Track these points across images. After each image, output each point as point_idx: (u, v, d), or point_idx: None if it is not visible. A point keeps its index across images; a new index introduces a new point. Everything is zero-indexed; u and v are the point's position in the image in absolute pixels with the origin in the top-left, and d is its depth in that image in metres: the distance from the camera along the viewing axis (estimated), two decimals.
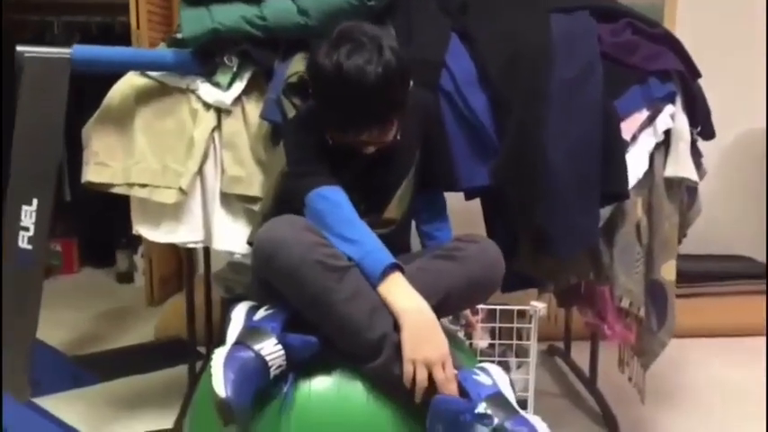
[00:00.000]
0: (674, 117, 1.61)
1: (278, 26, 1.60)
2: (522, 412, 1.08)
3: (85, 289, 3.35)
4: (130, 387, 2.12)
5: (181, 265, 3.24)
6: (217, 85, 1.62)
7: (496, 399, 1.08)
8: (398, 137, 1.32)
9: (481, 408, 1.05)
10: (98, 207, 3.24)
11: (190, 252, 1.84)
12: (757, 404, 2.07)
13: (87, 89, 2.15)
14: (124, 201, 1.67)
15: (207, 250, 2.15)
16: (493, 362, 1.69)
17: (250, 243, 1.59)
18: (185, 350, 2.11)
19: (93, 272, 3.69)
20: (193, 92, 1.63)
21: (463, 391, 1.10)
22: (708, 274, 2.85)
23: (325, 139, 1.31)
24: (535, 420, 1.06)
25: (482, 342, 1.83)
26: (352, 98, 1.19)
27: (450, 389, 1.10)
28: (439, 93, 1.59)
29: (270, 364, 1.08)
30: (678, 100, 1.62)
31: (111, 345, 2.42)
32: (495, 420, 1.04)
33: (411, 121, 1.40)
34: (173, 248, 3.12)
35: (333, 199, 1.27)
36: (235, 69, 1.61)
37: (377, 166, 1.38)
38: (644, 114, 1.61)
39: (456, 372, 1.12)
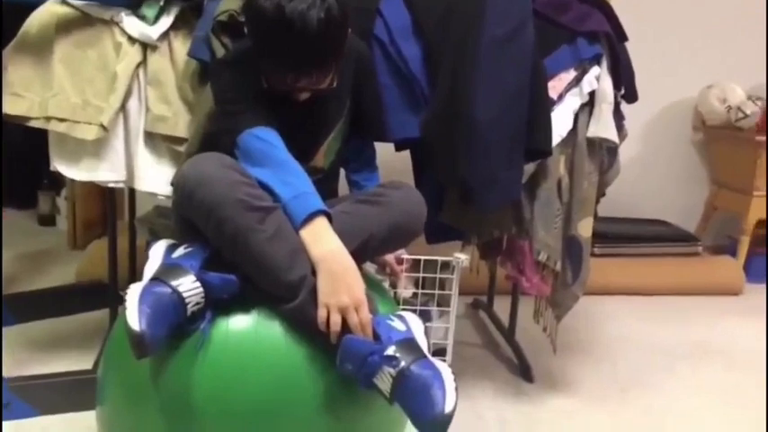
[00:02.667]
0: (599, 78, 1.65)
1: None
2: (430, 357, 1.11)
3: (5, 231, 3.22)
4: (50, 329, 2.07)
5: (104, 208, 3.15)
6: (143, 18, 1.56)
7: (407, 343, 1.11)
8: (334, 84, 1.31)
9: (390, 350, 1.07)
10: (19, 145, 3.09)
11: (113, 193, 1.79)
12: (663, 357, 2.20)
13: (5, 16, 2.03)
14: (46, 138, 1.60)
15: (132, 193, 2.10)
16: (415, 310, 1.74)
17: (173, 184, 1.57)
18: (106, 294, 2.07)
19: (14, 213, 3.55)
20: (117, 24, 1.56)
21: (376, 335, 1.12)
22: (627, 235, 2.98)
23: (258, 81, 1.29)
24: (441, 366, 1.09)
25: (406, 291, 1.87)
26: (293, 42, 1.17)
27: (365, 333, 1.12)
28: (373, 41, 1.59)
29: (187, 300, 1.07)
30: (604, 62, 1.67)
31: (30, 287, 2.34)
32: (402, 363, 1.06)
33: (344, 69, 1.38)
34: (97, 191, 3.03)
35: (267, 139, 1.25)
36: (162, 3, 1.55)
37: (308, 112, 1.37)
38: (571, 74, 1.64)
39: (371, 317, 1.14)
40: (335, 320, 1.11)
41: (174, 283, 1.08)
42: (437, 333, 1.87)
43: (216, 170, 1.14)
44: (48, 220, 3.38)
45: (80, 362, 1.84)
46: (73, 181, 1.60)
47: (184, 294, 1.07)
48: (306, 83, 1.25)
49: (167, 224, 2.00)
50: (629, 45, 1.76)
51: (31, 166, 3.37)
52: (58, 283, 2.38)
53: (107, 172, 1.59)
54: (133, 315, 1.01)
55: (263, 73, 1.28)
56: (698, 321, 2.57)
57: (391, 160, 1.76)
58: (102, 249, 2.35)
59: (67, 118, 1.54)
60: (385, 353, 1.07)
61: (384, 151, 1.65)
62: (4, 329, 1.99)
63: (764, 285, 3.04)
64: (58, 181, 3.25)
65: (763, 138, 2.92)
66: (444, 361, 1.13)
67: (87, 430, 1.55)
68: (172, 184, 1.55)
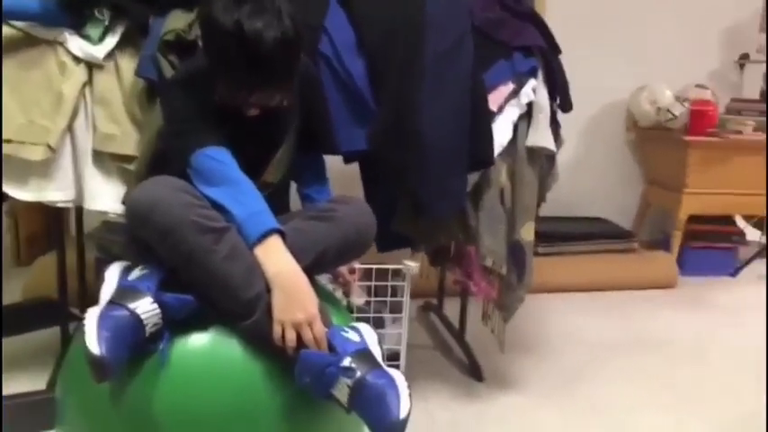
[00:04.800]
0: (535, 90, 1.74)
1: None
2: (384, 367, 1.16)
3: None
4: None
5: (48, 223, 3.08)
6: (87, 38, 1.56)
7: (362, 354, 1.15)
8: (285, 102, 1.34)
9: (346, 362, 1.12)
10: None
11: (59, 210, 1.78)
12: (605, 351, 2.32)
13: None
14: None
15: (79, 209, 2.08)
16: (369, 318, 1.79)
17: (125, 203, 1.57)
18: (56, 311, 2.05)
19: None
20: (61, 44, 1.56)
21: (331, 347, 1.16)
22: (568, 234, 3.10)
23: (209, 100, 1.30)
24: (395, 374, 1.14)
25: (359, 300, 1.91)
26: (248, 59, 1.19)
27: (320, 347, 1.16)
28: (318, 57, 1.63)
29: (145, 322, 1.09)
30: (540, 74, 1.75)
31: None
32: (358, 373, 1.10)
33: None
34: (40, 206, 2.95)
35: (219, 159, 1.27)
36: (107, 23, 1.56)
37: (257, 128, 1.39)
38: (509, 87, 1.72)
39: (326, 330, 1.18)
40: (290, 337, 1.14)
41: (131, 305, 1.09)
42: (391, 339, 1.92)
43: (168, 194, 1.16)
44: None
45: (32, 382, 1.81)
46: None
47: (142, 316, 1.09)
48: (258, 99, 1.28)
49: (117, 240, 1.99)
50: (565, 50, 1.85)
51: None
52: (3, 301, 2.34)
53: (56, 192, 1.59)
54: (92, 339, 1.02)
55: (216, 88, 1.29)
56: (636, 315, 2.71)
57: (341, 171, 1.80)
58: (50, 265, 2.32)
59: (13, 139, 1.52)
60: (341, 364, 1.12)
61: (334, 164, 1.69)
62: None
63: (697, 278, 3.21)
64: None
65: (691, 137, 3.08)
66: (398, 366, 1.18)
67: None
68: (123, 203, 1.56)
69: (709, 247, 3.30)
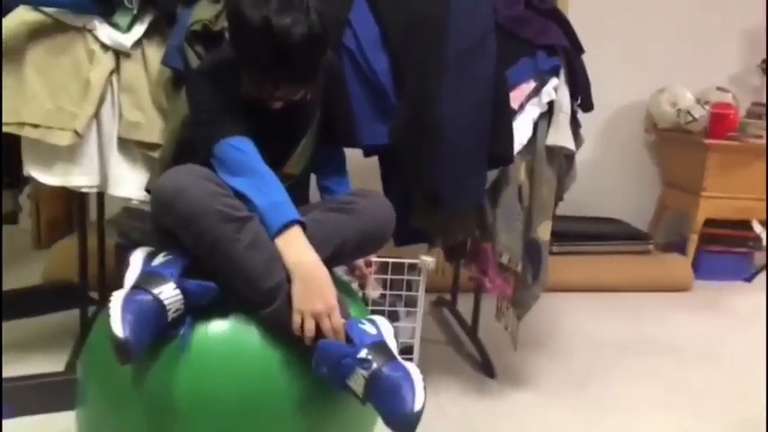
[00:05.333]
0: (557, 89, 1.74)
1: None
2: (399, 359, 1.18)
3: None
4: (18, 330, 2.08)
5: (69, 208, 3.13)
6: (115, 26, 1.59)
7: (378, 346, 1.17)
8: (308, 96, 1.36)
9: (362, 353, 1.14)
10: None
11: (82, 195, 1.81)
12: (617, 351, 2.32)
13: None
14: (7, 138, 1.61)
15: (100, 194, 2.11)
16: (383, 311, 1.81)
17: (148, 190, 1.60)
18: (75, 294, 2.09)
19: None
20: (90, 31, 1.59)
21: (349, 338, 1.18)
22: (583, 234, 3.10)
23: (234, 91, 1.32)
24: (411, 367, 1.15)
25: (374, 292, 1.93)
26: (275, 55, 1.21)
27: (338, 337, 1.18)
28: (342, 51, 1.64)
29: (168, 307, 1.12)
30: (562, 73, 1.75)
31: None
32: (374, 365, 1.12)
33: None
34: (61, 190, 3.00)
35: (243, 149, 1.29)
36: (135, 12, 1.58)
37: (280, 121, 1.41)
38: (531, 85, 1.73)
39: (344, 321, 1.20)
40: (309, 326, 1.16)
41: (155, 290, 1.12)
42: (404, 332, 1.94)
43: (193, 182, 1.18)
44: (9, 219, 3.34)
45: (51, 363, 1.85)
46: (37, 180, 1.62)
47: (165, 302, 1.12)
48: (283, 93, 1.30)
49: (138, 226, 2.02)
50: (587, 48, 1.85)
51: None
52: (23, 283, 2.38)
53: (81, 177, 1.62)
54: (117, 322, 1.05)
55: (241, 80, 1.31)
56: (649, 317, 2.71)
57: (360, 165, 1.82)
58: (69, 249, 2.36)
59: (41, 124, 1.55)
60: (358, 356, 1.13)
61: (353, 157, 1.71)
62: None
63: (713, 282, 3.20)
64: (19, 179, 3.21)
65: (711, 141, 3.06)
66: (411, 359, 1.20)
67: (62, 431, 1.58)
68: (147, 190, 1.59)
69: (725, 251, 3.29)
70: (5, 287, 2.26)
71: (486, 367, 2.09)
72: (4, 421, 1.61)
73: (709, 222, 3.18)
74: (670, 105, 3.25)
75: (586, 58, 1.86)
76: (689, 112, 3.16)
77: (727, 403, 1.98)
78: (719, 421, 1.87)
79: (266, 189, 1.26)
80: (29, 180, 3.00)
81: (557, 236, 2.72)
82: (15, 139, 1.61)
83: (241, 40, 1.25)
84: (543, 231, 1.81)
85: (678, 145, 3.33)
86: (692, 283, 3.10)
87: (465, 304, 2.42)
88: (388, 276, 1.84)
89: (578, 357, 2.25)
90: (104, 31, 1.58)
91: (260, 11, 1.18)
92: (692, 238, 3.19)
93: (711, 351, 2.39)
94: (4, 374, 1.73)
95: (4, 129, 1.55)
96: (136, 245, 1.32)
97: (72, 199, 2.96)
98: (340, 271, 1.62)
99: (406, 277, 1.84)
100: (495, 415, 1.83)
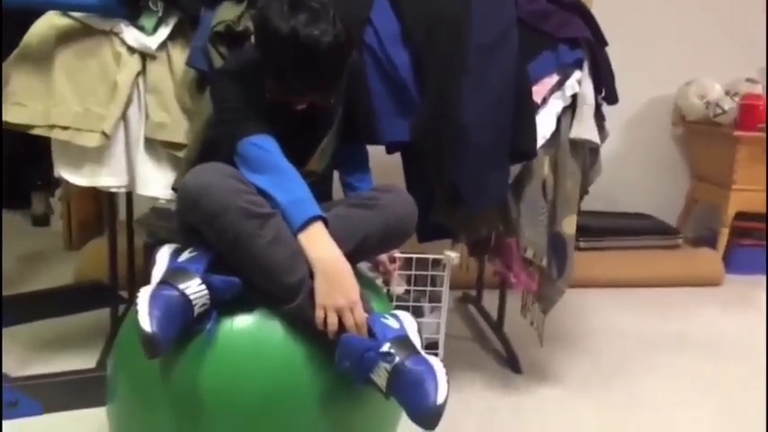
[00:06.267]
0: (580, 82, 1.73)
1: None
2: (423, 353, 1.18)
3: None
4: (52, 329, 2.13)
5: (99, 209, 3.20)
6: (141, 29, 1.61)
7: (401, 341, 1.17)
8: (332, 101, 1.38)
9: (385, 347, 1.14)
10: (12, 147, 3.12)
11: (112, 196, 1.85)
12: (645, 347, 2.29)
13: (4, 27, 2.07)
14: (40, 141, 1.65)
15: (129, 195, 2.15)
16: (408, 307, 1.81)
17: (174, 189, 1.62)
18: (106, 294, 2.13)
19: (7, 214, 3.57)
20: (117, 35, 1.62)
21: (371, 333, 1.19)
22: (610, 229, 3.07)
23: (257, 91, 1.34)
24: (434, 361, 1.16)
25: (398, 288, 1.94)
26: (302, 65, 1.23)
27: (360, 332, 1.19)
28: (363, 47, 1.65)
29: (194, 302, 1.13)
30: (585, 66, 1.74)
31: (27, 287, 2.39)
32: (397, 359, 1.12)
33: None
34: (91, 192, 3.07)
35: (265, 147, 1.31)
36: (160, 14, 1.61)
37: (302, 120, 1.42)
38: (554, 79, 1.72)
39: (366, 316, 1.21)
40: (332, 321, 1.18)
41: (181, 286, 1.14)
42: (429, 328, 1.94)
43: (217, 180, 1.20)
44: (41, 221, 3.42)
45: (83, 361, 1.89)
46: (68, 182, 1.66)
47: (191, 297, 1.14)
48: (308, 99, 1.33)
49: (165, 226, 2.06)
50: (612, 43, 1.84)
51: (23, 167, 3.40)
52: (55, 283, 2.44)
53: (109, 177, 1.65)
54: (144, 317, 1.07)
55: (267, 85, 1.33)
56: (679, 312, 2.67)
57: (383, 161, 1.82)
58: (100, 250, 2.41)
59: (70, 126, 1.59)
60: (381, 349, 1.14)
61: (376, 153, 1.72)
62: (7, 330, 2.03)
63: (744, 276, 3.14)
64: (51, 182, 3.28)
65: (741, 133, 3.01)
66: (437, 354, 1.20)
67: (93, 427, 1.61)
68: (173, 189, 1.62)
69: (756, 244, 3.23)
70: (38, 287, 2.32)
71: (512, 362, 2.08)
72: (37, 417, 1.65)
73: (739, 215, 3.13)
74: (698, 98, 3.20)
75: (612, 51, 1.84)
76: (718, 105, 3.10)
77: (758, 400, 1.94)
78: (750, 418, 1.83)
79: (289, 186, 1.28)
80: (60, 183, 3.08)
81: (584, 231, 2.71)
82: (46, 143, 1.65)
83: (268, 49, 1.27)
84: (568, 225, 1.80)
85: (707, 138, 3.28)
86: (723, 277, 3.05)
87: (490, 300, 2.41)
88: (413, 272, 1.85)
89: (606, 353, 2.23)
90: (131, 34, 1.61)
91: (288, 22, 1.20)
92: (722, 232, 3.14)
93: (743, 347, 2.35)
94: (37, 372, 1.78)
95: (35, 131, 1.60)
96: (163, 243, 1.35)
97: (101, 200, 3.05)
98: (364, 267, 1.63)
99: (430, 273, 1.84)
100: (521, 410, 1.82)
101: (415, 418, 1.10)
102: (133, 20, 1.61)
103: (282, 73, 1.27)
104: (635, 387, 1.99)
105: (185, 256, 1.24)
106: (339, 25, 1.23)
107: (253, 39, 1.37)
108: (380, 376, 1.13)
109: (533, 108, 1.69)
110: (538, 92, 1.70)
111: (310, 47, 1.20)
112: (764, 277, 3.15)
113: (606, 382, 2.01)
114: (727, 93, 3.14)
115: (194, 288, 1.15)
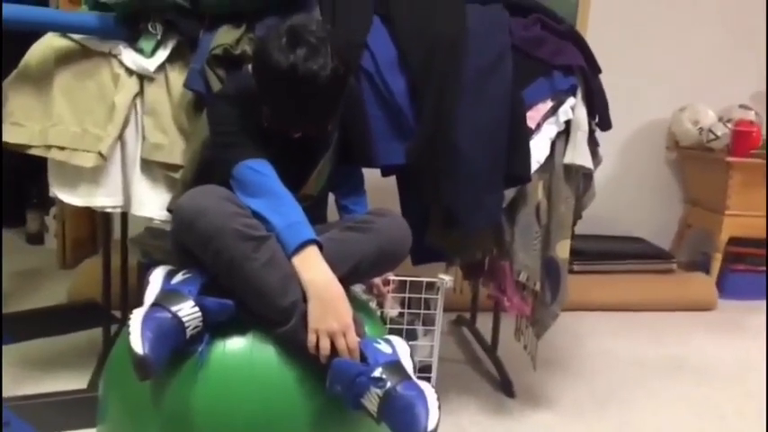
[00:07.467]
0: (574, 108, 1.75)
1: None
2: (414, 379, 1.18)
3: None
4: (44, 348, 2.12)
5: (94, 228, 3.20)
6: (140, 51, 1.63)
7: (393, 366, 1.17)
8: (329, 128, 1.39)
9: (377, 372, 1.14)
10: (7, 166, 3.14)
11: (106, 216, 1.85)
12: (639, 371, 2.29)
13: (5, 48, 2.10)
14: (38, 158, 1.66)
15: (124, 214, 2.15)
16: (401, 330, 1.81)
17: (170, 210, 1.63)
18: (100, 313, 2.12)
19: (2, 232, 3.57)
20: (115, 56, 1.63)
21: (363, 357, 1.19)
22: (604, 253, 3.08)
23: (254, 116, 1.35)
24: (425, 386, 1.16)
25: (392, 311, 1.94)
26: (301, 98, 1.25)
27: (352, 356, 1.19)
28: (360, 73, 1.67)
29: (186, 324, 1.13)
30: (579, 93, 1.76)
31: (21, 306, 2.39)
32: (389, 384, 1.12)
33: None
34: (86, 211, 3.07)
35: (261, 171, 1.32)
36: (159, 37, 1.62)
37: (298, 145, 1.43)
38: (548, 105, 1.74)
39: (359, 340, 1.21)
40: (324, 345, 1.18)
41: (174, 308, 1.14)
42: (422, 351, 1.94)
43: (213, 202, 1.21)
44: (36, 239, 3.42)
45: (74, 381, 1.88)
46: (63, 201, 1.66)
47: (184, 319, 1.14)
48: (305, 130, 1.34)
49: (160, 245, 2.06)
50: (606, 68, 1.86)
51: (19, 186, 3.41)
52: (48, 302, 2.43)
53: (105, 197, 1.66)
54: (136, 339, 1.07)
55: (264, 114, 1.34)
56: (672, 337, 2.67)
57: (379, 185, 1.83)
58: (94, 269, 2.41)
59: (67, 146, 1.60)
60: (372, 374, 1.14)
61: (371, 177, 1.73)
62: None
63: (737, 301, 3.15)
64: (46, 200, 3.29)
65: (734, 159, 3.03)
66: (430, 377, 1.20)
67: None
68: (169, 210, 1.62)
69: (749, 270, 3.24)
70: (32, 305, 2.31)
71: (505, 386, 2.07)
72: None
73: (732, 241, 3.14)
74: (692, 123, 3.23)
75: (606, 77, 1.86)
76: (711, 131, 3.14)
77: (752, 425, 1.94)
78: None
79: (284, 210, 1.28)
80: (55, 202, 3.09)
81: (578, 254, 2.72)
82: (42, 162, 1.65)
83: (266, 80, 1.28)
84: (562, 250, 1.81)
85: (700, 163, 3.30)
86: (717, 302, 3.05)
87: (484, 323, 2.41)
88: (406, 295, 1.84)
89: (599, 377, 2.23)
90: (129, 56, 1.63)
91: (287, 57, 1.21)
92: (715, 257, 3.16)
93: (736, 371, 2.35)
94: (28, 392, 1.76)
95: (33, 151, 1.60)
96: (158, 264, 1.35)
97: (96, 219, 3.05)
98: (358, 289, 1.63)
99: (423, 296, 1.84)
100: None
101: None
102: (132, 42, 1.63)
103: (280, 105, 1.28)
104: (628, 411, 1.99)
105: (179, 277, 1.24)
106: (337, 60, 1.24)
107: (250, 67, 1.38)
108: (372, 401, 1.13)
109: (528, 133, 1.71)
110: (532, 117, 1.72)
111: (309, 81, 1.21)
112: (757, 302, 3.16)
113: (600, 407, 2.00)
114: (720, 119, 3.17)
115: (187, 310, 1.15)
